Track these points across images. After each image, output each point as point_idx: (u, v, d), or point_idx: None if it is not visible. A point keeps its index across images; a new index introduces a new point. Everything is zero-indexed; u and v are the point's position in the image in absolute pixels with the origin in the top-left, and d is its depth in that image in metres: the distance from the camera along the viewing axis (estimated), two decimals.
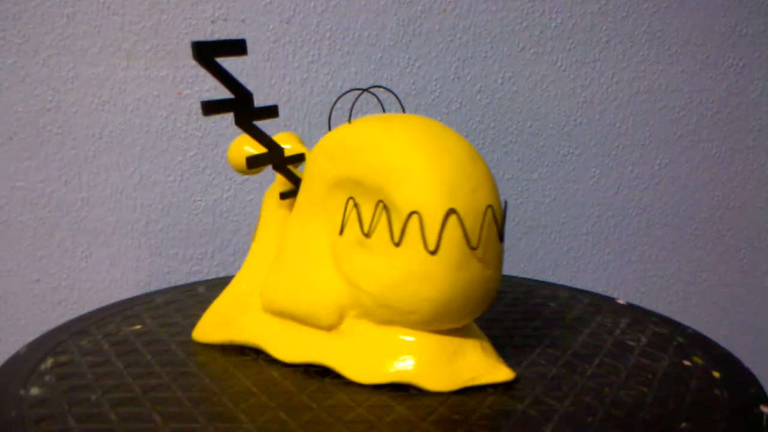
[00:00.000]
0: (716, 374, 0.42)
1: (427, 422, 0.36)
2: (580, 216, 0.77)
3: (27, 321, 0.66)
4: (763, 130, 0.79)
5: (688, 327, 0.50)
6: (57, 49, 0.62)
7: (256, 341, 0.44)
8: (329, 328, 0.41)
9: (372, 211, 0.39)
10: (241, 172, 0.44)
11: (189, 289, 0.56)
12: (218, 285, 0.57)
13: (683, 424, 0.36)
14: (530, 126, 0.73)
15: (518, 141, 0.73)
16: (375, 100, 0.68)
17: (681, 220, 0.80)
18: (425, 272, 0.37)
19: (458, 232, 0.37)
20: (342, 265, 0.40)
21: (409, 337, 0.39)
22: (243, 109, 0.39)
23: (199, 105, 0.66)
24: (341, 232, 0.40)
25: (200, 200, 0.68)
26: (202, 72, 0.65)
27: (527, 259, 0.76)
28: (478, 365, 0.40)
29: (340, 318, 0.41)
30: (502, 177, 0.74)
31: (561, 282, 0.77)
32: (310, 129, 0.68)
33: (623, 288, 0.80)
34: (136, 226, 0.67)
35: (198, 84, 0.65)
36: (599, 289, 0.79)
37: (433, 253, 0.37)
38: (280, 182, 0.45)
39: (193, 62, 0.65)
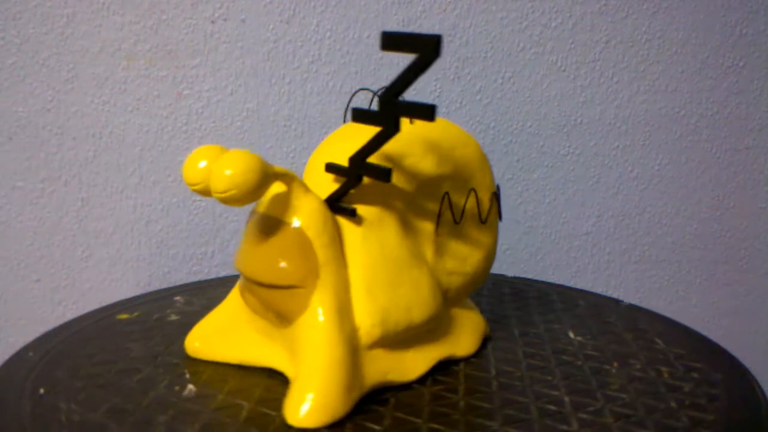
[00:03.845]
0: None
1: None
2: (580, 216, 0.77)
3: (27, 321, 0.66)
4: (763, 130, 0.79)
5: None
6: (57, 49, 0.62)
7: (382, 378, 0.39)
8: (439, 323, 0.43)
9: (459, 201, 0.43)
10: (241, 196, 0.34)
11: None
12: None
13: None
14: (530, 126, 0.73)
15: (518, 141, 0.73)
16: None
17: (681, 220, 0.80)
18: (496, 239, 0.46)
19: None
20: (444, 258, 0.43)
21: (470, 301, 0.47)
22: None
23: (198, 105, 0.66)
24: (437, 229, 0.42)
25: (200, 200, 0.68)
26: (202, 72, 0.65)
27: (527, 259, 0.76)
28: (480, 314, 0.49)
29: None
30: (502, 177, 0.74)
31: (561, 282, 0.77)
32: (310, 129, 0.68)
33: (623, 288, 0.80)
34: (136, 226, 0.67)
35: (198, 84, 0.65)
36: (599, 289, 0.79)
37: (500, 221, 0.46)
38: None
39: (194, 62, 0.65)
